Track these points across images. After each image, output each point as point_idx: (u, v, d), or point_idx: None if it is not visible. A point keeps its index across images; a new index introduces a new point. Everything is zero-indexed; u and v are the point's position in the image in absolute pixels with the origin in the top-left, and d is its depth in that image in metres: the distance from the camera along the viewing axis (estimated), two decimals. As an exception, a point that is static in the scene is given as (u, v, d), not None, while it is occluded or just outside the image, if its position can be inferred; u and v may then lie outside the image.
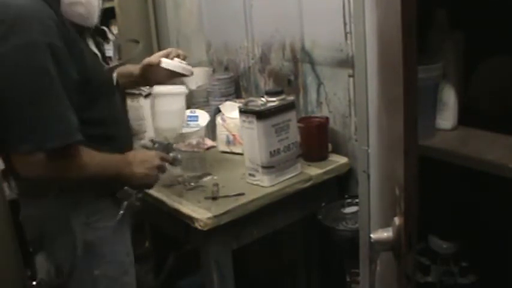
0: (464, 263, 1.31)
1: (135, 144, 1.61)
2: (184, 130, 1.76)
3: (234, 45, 2.22)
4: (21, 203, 1.39)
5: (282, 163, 1.63)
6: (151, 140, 1.52)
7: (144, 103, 1.95)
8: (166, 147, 1.49)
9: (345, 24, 1.73)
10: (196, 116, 1.95)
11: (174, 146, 1.53)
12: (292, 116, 1.65)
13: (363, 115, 1.20)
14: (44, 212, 1.30)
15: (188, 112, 1.82)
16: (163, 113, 1.54)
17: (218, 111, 1.97)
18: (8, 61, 1.12)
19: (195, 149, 1.73)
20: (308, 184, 1.68)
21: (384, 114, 1.03)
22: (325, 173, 1.73)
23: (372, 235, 0.87)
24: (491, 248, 1.30)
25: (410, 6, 0.73)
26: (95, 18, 1.33)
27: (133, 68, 1.58)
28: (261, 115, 1.57)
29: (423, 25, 0.97)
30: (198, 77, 2.16)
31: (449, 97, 1.19)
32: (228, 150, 1.93)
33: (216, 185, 1.64)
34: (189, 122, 1.86)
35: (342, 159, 1.79)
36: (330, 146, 1.83)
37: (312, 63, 1.89)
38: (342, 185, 1.80)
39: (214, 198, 1.58)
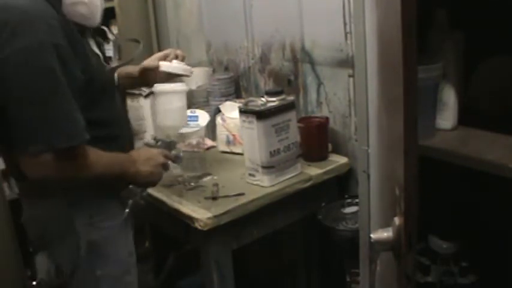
0: (464, 263, 1.31)
1: (135, 144, 1.62)
2: (184, 130, 1.76)
3: (234, 45, 2.22)
4: (23, 204, 1.39)
5: (282, 163, 1.63)
6: (154, 138, 1.53)
7: (144, 103, 1.95)
8: (169, 145, 1.50)
9: (345, 24, 1.73)
10: (196, 116, 1.95)
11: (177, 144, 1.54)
12: (292, 116, 1.65)
13: (363, 115, 1.20)
14: (48, 212, 1.30)
15: (188, 112, 1.82)
16: (165, 111, 1.55)
17: (218, 111, 1.97)
18: (15, 62, 1.12)
19: (195, 149, 1.73)
20: (308, 184, 1.68)
21: (383, 114, 1.03)
22: (325, 173, 1.73)
23: (372, 235, 0.87)
24: (491, 248, 1.30)
25: (410, 6, 0.73)
26: (97, 19, 1.33)
27: (133, 70, 1.59)
28: (261, 115, 1.57)
29: (423, 25, 0.97)
30: (198, 77, 2.16)
31: (449, 97, 1.19)
32: (228, 150, 1.93)
33: (216, 185, 1.64)
34: (189, 122, 1.86)
35: (342, 159, 1.79)
36: (330, 146, 1.83)
37: (312, 63, 1.89)
38: (342, 185, 1.80)
39: (214, 198, 1.58)
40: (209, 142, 2.00)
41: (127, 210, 1.37)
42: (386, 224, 0.88)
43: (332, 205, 1.73)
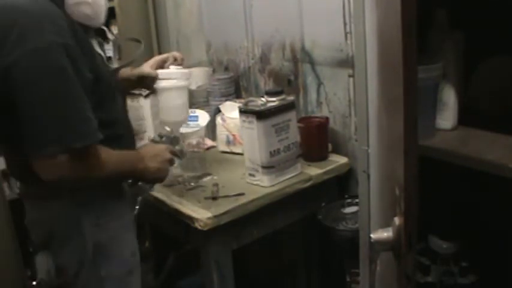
0: (464, 263, 1.31)
1: (136, 143, 1.62)
2: (184, 130, 1.76)
3: (234, 45, 2.22)
4: (26, 206, 1.38)
5: (282, 163, 1.63)
6: (159, 134, 1.54)
7: (144, 103, 1.95)
8: (173, 140, 1.51)
9: (345, 24, 1.73)
10: (196, 116, 1.95)
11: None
12: (292, 116, 1.65)
13: (363, 115, 1.20)
14: (54, 214, 1.29)
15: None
16: (168, 107, 1.55)
17: (218, 111, 1.97)
18: (26, 64, 1.11)
19: (195, 149, 1.73)
20: (308, 184, 1.68)
21: (383, 114, 1.03)
22: (325, 173, 1.73)
23: (372, 235, 0.87)
24: (491, 248, 1.30)
25: (410, 6, 0.73)
26: (101, 19, 1.32)
27: (131, 74, 1.58)
28: (261, 115, 1.57)
29: (423, 25, 0.97)
30: (198, 77, 2.16)
31: (449, 97, 1.19)
32: (228, 150, 1.93)
33: (216, 185, 1.64)
34: (189, 122, 1.86)
35: (342, 159, 1.79)
36: (330, 146, 1.83)
37: (312, 63, 1.89)
38: (342, 185, 1.80)
39: (214, 198, 1.58)
40: (209, 142, 2.00)
41: (137, 207, 1.39)
42: (386, 224, 0.88)
43: (332, 205, 1.72)
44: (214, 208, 1.52)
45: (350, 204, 1.70)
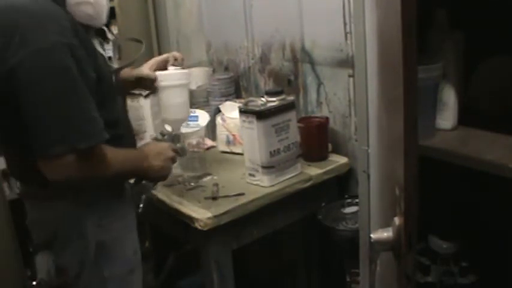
0: (464, 263, 1.31)
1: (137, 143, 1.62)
2: (184, 130, 1.76)
3: (234, 45, 2.22)
4: (27, 206, 1.38)
5: (282, 163, 1.63)
6: (161, 133, 1.54)
7: (144, 103, 1.95)
8: (174, 138, 1.52)
9: (345, 24, 1.73)
10: (196, 116, 1.95)
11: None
12: (292, 116, 1.65)
13: (363, 115, 1.20)
14: (57, 214, 1.29)
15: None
16: (169, 105, 1.55)
17: (218, 111, 1.97)
18: (30, 65, 1.11)
19: (195, 149, 1.73)
20: (308, 184, 1.68)
21: (383, 114, 1.03)
22: (325, 173, 1.73)
23: (372, 235, 0.87)
24: (491, 248, 1.30)
25: (410, 6, 0.73)
26: (103, 19, 1.32)
27: (129, 75, 1.58)
28: (261, 115, 1.57)
29: (423, 25, 0.97)
30: (198, 77, 2.16)
31: (449, 97, 1.19)
32: (228, 150, 1.93)
33: (216, 185, 1.64)
34: (189, 122, 1.86)
35: (342, 159, 1.79)
36: (330, 146, 1.83)
37: (312, 63, 1.89)
38: (342, 185, 1.80)
39: (214, 198, 1.58)
40: (209, 142, 2.00)
41: (141, 205, 1.40)
42: (386, 224, 0.88)
43: (332, 205, 1.73)
44: (214, 208, 1.52)
45: (350, 204, 1.70)
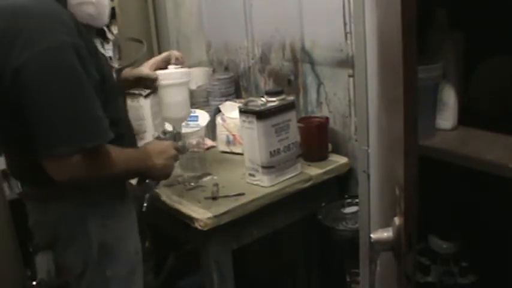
0: (464, 263, 1.31)
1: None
2: (184, 130, 1.76)
3: (234, 45, 2.22)
4: (29, 207, 1.38)
5: (282, 163, 1.63)
6: (163, 131, 1.55)
7: (144, 103, 1.95)
8: (175, 136, 1.53)
9: (345, 24, 1.73)
10: (196, 116, 1.95)
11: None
12: (292, 116, 1.65)
13: (363, 115, 1.20)
14: (60, 215, 1.29)
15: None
16: (169, 103, 1.55)
17: (218, 111, 1.97)
18: (36, 65, 1.10)
19: (195, 149, 1.73)
20: (308, 184, 1.68)
21: (383, 114, 1.03)
22: (325, 173, 1.73)
23: (372, 235, 0.87)
24: (491, 248, 1.30)
25: (410, 6, 0.73)
26: (104, 19, 1.32)
27: (129, 75, 1.58)
28: (261, 115, 1.57)
29: (423, 25, 0.97)
30: (198, 77, 2.16)
31: (449, 97, 1.19)
32: (228, 150, 1.93)
33: (216, 185, 1.64)
34: (189, 122, 1.86)
35: (342, 159, 1.79)
36: (330, 146, 1.83)
37: (312, 63, 1.89)
38: (342, 185, 1.80)
39: (214, 198, 1.58)
40: (209, 142, 2.00)
41: (145, 204, 1.40)
42: (386, 224, 0.88)
43: (332, 205, 1.72)
44: (214, 208, 1.52)
45: (350, 204, 1.70)
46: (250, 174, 1.64)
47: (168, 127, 1.60)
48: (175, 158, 1.45)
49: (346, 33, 1.73)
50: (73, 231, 1.30)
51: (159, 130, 1.77)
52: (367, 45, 1.14)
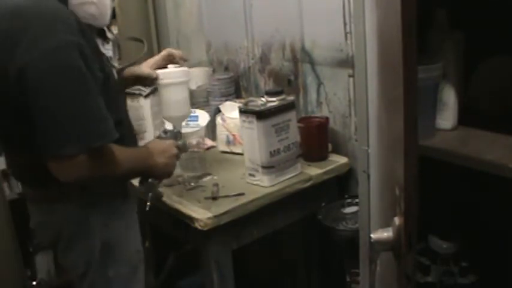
0: (464, 263, 1.31)
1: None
2: (184, 130, 1.76)
3: (234, 45, 2.22)
4: (31, 208, 1.38)
5: (282, 163, 1.63)
6: (164, 131, 1.55)
7: (144, 103, 1.95)
8: (176, 135, 1.53)
9: (345, 24, 1.73)
10: (196, 116, 1.95)
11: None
12: (292, 116, 1.65)
13: (363, 115, 1.20)
14: (63, 215, 1.29)
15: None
16: (170, 102, 1.55)
17: (218, 111, 1.97)
18: (41, 65, 1.10)
19: (195, 149, 1.73)
20: (308, 184, 1.68)
21: (383, 114, 1.03)
22: (325, 173, 1.73)
23: (372, 235, 0.87)
24: (491, 248, 1.30)
25: (410, 6, 0.73)
26: (106, 19, 1.32)
27: (129, 74, 1.58)
28: (261, 115, 1.57)
29: (423, 25, 0.97)
30: (198, 77, 2.16)
31: (449, 97, 1.19)
32: (228, 150, 1.93)
33: (216, 185, 1.64)
34: (189, 122, 1.86)
35: (342, 159, 1.79)
36: (330, 146, 1.83)
37: (312, 63, 1.89)
38: (342, 185, 1.80)
39: (214, 198, 1.58)
40: (209, 142, 2.00)
41: (148, 203, 1.40)
42: (386, 224, 0.88)
43: (332, 205, 1.72)
44: (214, 208, 1.52)
45: (350, 204, 1.70)
46: (250, 174, 1.64)
47: (168, 126, 1.59)
48: (177, 157, 1.46)
49: (346, 33, 1.73)
50: (76, 232, 1.30)
51: (159, 130, 1.77)
52: (367, 45, 1.14)
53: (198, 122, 1.93)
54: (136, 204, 1.44)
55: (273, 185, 1.62)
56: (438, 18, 1.23)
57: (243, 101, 1.80)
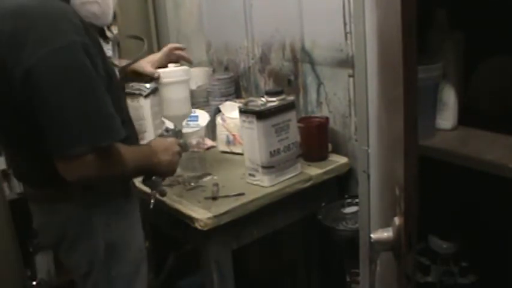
0: (464, 263, 1.31)
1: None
2: (184, 130, 1.76)
3: (234, 45, 2.22)
4: (34, 208, 1.38)
5: (282, 163, 1.63)
6: (166, 129, 1.55)
7: (144, 103, 1.95)
8: (177, 134, 1.53)
9: (345, 24, 1.73)
10: (196, 116, 1.95)
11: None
12: (292, 116, 1.65)
13: (363, 115, 1.20)
14: (67, 215, 1.29)
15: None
16: (170, 101, 1.55)
17: (218, 111, 1.97)
18: (49, 65, 1.09)
19: (195, 149, 1.73)
20: (308, 184, 1.68)
21: (383, 114, 1.03)
22: (325, 173, 1.73)
23: (372, 235, 0.87)
24: (491, 248, 1.30)
25: (410, 6, 0.73)
26: (109, 18, 1.32)
27: (131, 70, 1.58)
28: (261, 115, 1.57)
29: (423, 25, 0.97)
30: (198, 77, 2.16)
31: (449, 97, 1.19)
32: (228, 150, 1.93)
33: (216, 185, 1.64)
34: (189, 122, 1.86)
35: (342, 159, 1.79)
36: (330, 146, 1.83)
37: (312, 63, 1.89)
38: (342, 185, 1.80)
39: (214, 198, 1.58)
40: (209, 142, 2.00)
41: (152, 201, 1.40)
42: (386, 224, 0.88)
43: (332, 205, 1.72)
44: (214, 208, 1.52)
45: (350, 204, 1.70)
46: (250, 174, 1.64)
47: (169, 125, 1.59)
48: (179, 154, 1.46)
49: (346, 33, 1.73)
50: (79, 232, 1.30)
51: (159, 130, 1.77)
52: (367, 45, 1.14)
53: (198, 122, 1.93)
54: (139, 204, 1.44)
55: (273, 185, 1.62)
56: (438, 18, 1.23)
57: (243, 101, 1.80)
